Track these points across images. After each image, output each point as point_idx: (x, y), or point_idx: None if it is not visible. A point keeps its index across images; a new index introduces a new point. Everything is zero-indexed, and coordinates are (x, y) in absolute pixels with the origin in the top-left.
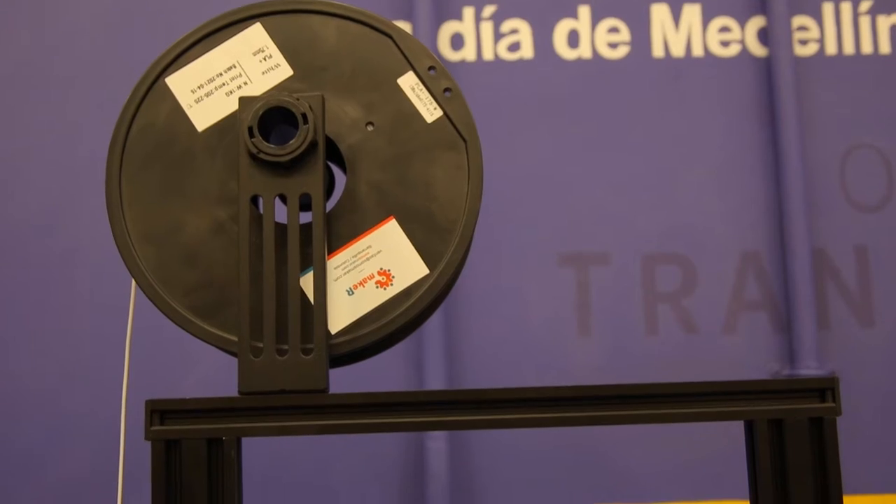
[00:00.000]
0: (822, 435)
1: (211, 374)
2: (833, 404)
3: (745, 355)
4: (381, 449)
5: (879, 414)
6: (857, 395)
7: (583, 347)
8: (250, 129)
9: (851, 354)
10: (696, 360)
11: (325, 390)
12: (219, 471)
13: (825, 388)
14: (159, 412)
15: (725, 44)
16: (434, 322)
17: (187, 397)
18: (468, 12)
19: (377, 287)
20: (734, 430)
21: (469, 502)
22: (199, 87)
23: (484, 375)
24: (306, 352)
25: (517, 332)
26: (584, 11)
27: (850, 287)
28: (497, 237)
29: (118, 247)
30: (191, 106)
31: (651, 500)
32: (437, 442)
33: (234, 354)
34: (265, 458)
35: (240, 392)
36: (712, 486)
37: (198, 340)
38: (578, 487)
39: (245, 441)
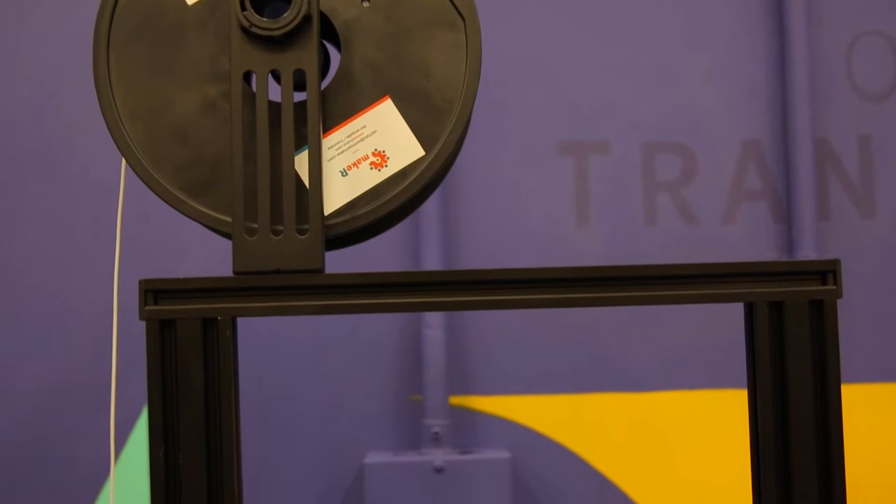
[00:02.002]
0: (822, 318)
1: (204, 260)
2: (834, 287)
3: (744, 246)
4: (377, 337)
5: (877, 305)
6: (856, 285)
7: (581, 237)
8: (242, 2)
9: (851, 245)
10: (695, 250)
11: (320, 270)
12: (214, 351)
13: (826, 271)
14: (153, 292)
15: None
16: (431, 210)
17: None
18: None
19: (371, 168)
20: (733, 320)
21: (466, 390)
22: None
23: (480, 265)
24: (301, 232)
25: (515, 221)
26: None
27: (852, 177)
28: (495, 124)
29: (107, 124)
30: None
31: (649, 389)
32: (434, 330)
33: (227, 236)
34: (262, 348)
35: (234, 272)
36: (710, 376)
37: (191, 228)
38: (576, 377)
39: (242, 331)
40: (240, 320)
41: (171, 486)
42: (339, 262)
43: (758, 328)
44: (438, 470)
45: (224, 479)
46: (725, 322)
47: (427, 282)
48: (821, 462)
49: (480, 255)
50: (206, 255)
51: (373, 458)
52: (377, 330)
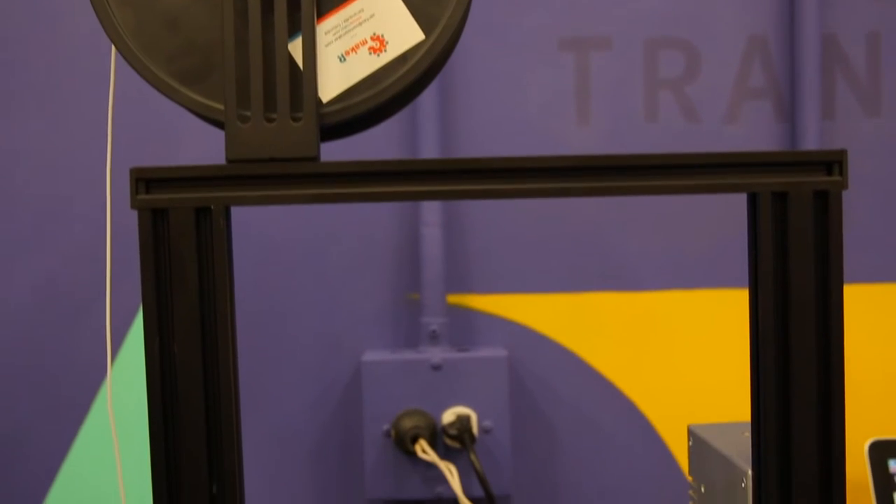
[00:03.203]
0: (826, 209)
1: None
2: (839, 178)
3: (746, 144)
4: (374, 235)
5: (880, 205)
6: (859, 185)
7: (581, 134)
8: None
9: (855, 145)
10: (696, 148)
11: (315, 158)
12: (208, 241)
13: (832, 161)
14: (145, 181)
15: None
16: (429, 104)
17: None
18: None
19: (370, 53)
20: (734, 221)
21: (463, 288)
22: None
23: None
24: (296, 119)
25: (514, 118)
26: None
27: (859, 75)
28: (496, 18)
29: (95, 9)
30: None
31: (648, 288)
32: (431, 229)
33: (220, 125)
34: (258, 246)
35: (227, 159)
36: (710, 276)
37: (185, 122)
38: (575, 275)
39: (237, 229)
40: (235, 217)
41: (167, 376)
42: (336, 154)
43: (761, 220)
44: (436, 367)
45: (220, 370)
46: (725, 222)
47: (424, 170)
48: (821, 359)
49: (478, 152)
50: (199, 154)
51: (370, 355)
52: (374, 228)
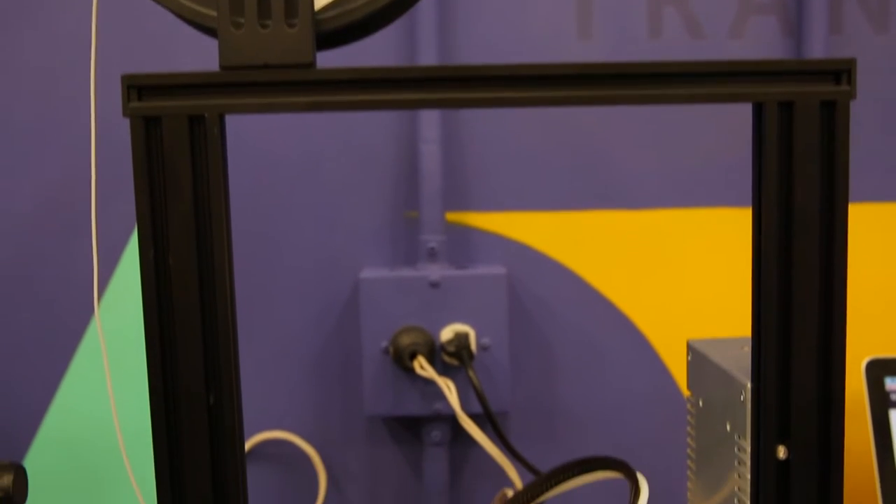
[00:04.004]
0: (833, 119)
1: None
2: (847, 87)
3: (752, 50)
4: (372, 151)
5: (887, 124)
6: (866, 102)
7: (583, 49)
8: None
9: (862, 60)
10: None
11: (311, 65)
12: (202, 150)
13: (840, 70)
14: (137, 88)
15: None
16: (428, 12)
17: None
18: None
19: None
20: (735, 139)
21: (462, 206)
22: None
23: None
24: (291, 25)
25: (515, 30)
26: None
27: None
28: None
29: None
30: None
31: (648, 207)
32: (430, 145)
33: (213, 33)
34: (254, 161)
35: (221, 66)
36: (711, 195)
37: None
38: (574, 193)
39: (233, 144)
40: (231, 136)
41: (163, 287)
42: (332, 65)
43: (766, 131)
44: (434, 285)
45: (216, 281)
46: (727, 141)
47: (423, 77)
48: (823, 274)
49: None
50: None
51: (368, 273)
52: (372, 145)
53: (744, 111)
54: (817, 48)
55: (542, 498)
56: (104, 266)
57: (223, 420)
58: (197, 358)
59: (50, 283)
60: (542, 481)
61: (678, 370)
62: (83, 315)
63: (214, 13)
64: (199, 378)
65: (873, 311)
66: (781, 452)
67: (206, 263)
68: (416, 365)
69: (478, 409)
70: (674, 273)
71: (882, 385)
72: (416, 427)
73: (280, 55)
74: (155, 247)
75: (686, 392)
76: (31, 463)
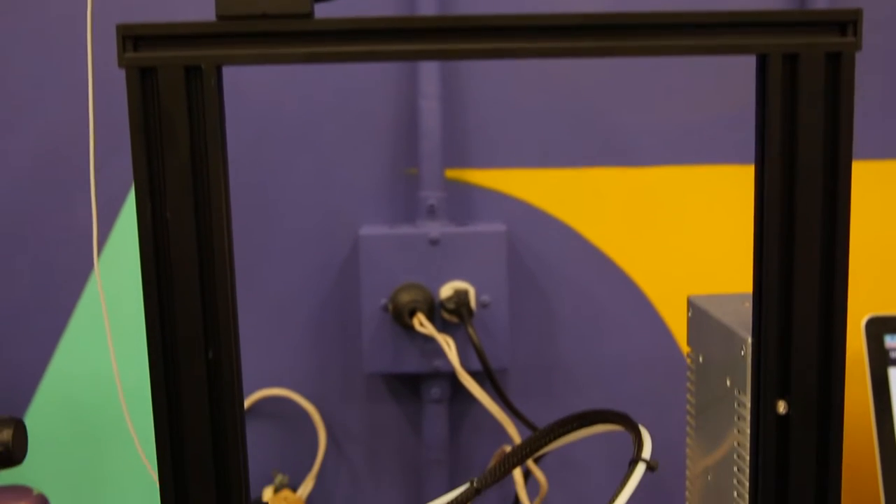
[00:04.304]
0: (838, 72)
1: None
2: (853, 39)
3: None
4: (371, 107)
5: (892, 78)
6: (871, 56)
7: (585, 0)
8: None
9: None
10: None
11: (309, 15)
12: (198, 102)
13: (846, 21)
14: (132, 38)
15: None
16: None
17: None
18: None
19: None
20: (737, 96)
21: (462, 163)
22: None
23: None
24: None
25: None
26: None
27: None
28: None
29: None
30: None
31: (649, 164)
32: (430, 101)
33: None
34: (252, 116)
35: (217, 15)
36: (712, 151)
37: None
38: (575, 150)
39: (231, 100)
40: (229, 91)
41: (160, 242)
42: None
43: (769, 84)
44: (434, 242)
45: (214, 235)
46: (729, 97)
47: (423, 28)
48: (826, 230)
49: None
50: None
51: (367, 230)
52: (371, 101)
53: (747, 66)
54: None
55: (543, 451)
56: (102, 222)
57: (222, 375)
58: (195, 312)
59: (48, 239)
60: (543, 435)
61: (678, 328)
62: (82, 271)
63: None
64: (198, 332)
65: (873, 269)
66: (781, 407)
67: (204, 217)
68: (415, 322)
69: (477, 366)
70: (674, 231)
71: (882, 343)
72: (416, 384)
73: (278, 5)
74: (152, 201)
75: (686, 349)
76: (31, 420)
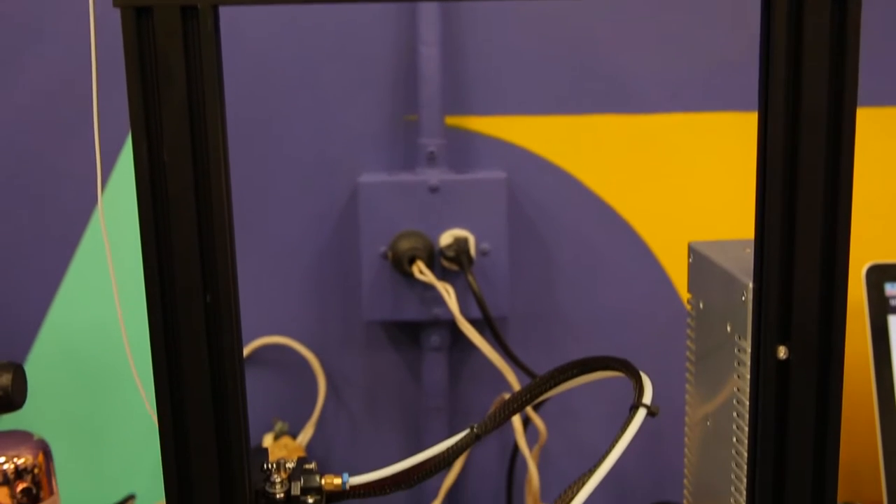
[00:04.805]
0: (844, 14)
1: None
2: None
3: None
4: (370, 54)
5: (891, 24)
6: (876, 3)
7: None
8: None
9: None
10: None
11: None
12: (195, 43)
13: None
14: None
15: None
16: None
17: None
18: None
19: None
20: (739, 43)
21: (462, 110)
22: None
23: None
24: None
25: None
26: None
27: None
28: None
29: None
30: None
31: (650, 111)
32: (429, 48)
33: None
34: (249, 62)
35: None
36: (713, 99)
37: None
38: (576, 97)
39: (228, 45)
40: (228, 36)
41: (157, 184)
42: None
43: (775, 24)
44: (433, 189)
45: (211, 178)
46: (732, 44)
47: None
48: (829, 175)
49: None
50: None
51: (367, 177)
52: (370, 47)
53: (752, 11)
54: None
55: (544, 397)
56: (103, 163)
57: (221, 320)
58: (193, 254)
59: (48, 181)
60: (544, 381)
61: (678, 277)
62: (82, 214)
63: None
64: (196, 275)
65: (874, 217)
66: (782, 352)
67: (201, 160)
68: (414, 270)
69: (477, 314)
70: (675, 179)
71: (882, 290)
72: (415, 332)
73: None
74: (148, 143)
75: (685, 299)
76: (31, 366)
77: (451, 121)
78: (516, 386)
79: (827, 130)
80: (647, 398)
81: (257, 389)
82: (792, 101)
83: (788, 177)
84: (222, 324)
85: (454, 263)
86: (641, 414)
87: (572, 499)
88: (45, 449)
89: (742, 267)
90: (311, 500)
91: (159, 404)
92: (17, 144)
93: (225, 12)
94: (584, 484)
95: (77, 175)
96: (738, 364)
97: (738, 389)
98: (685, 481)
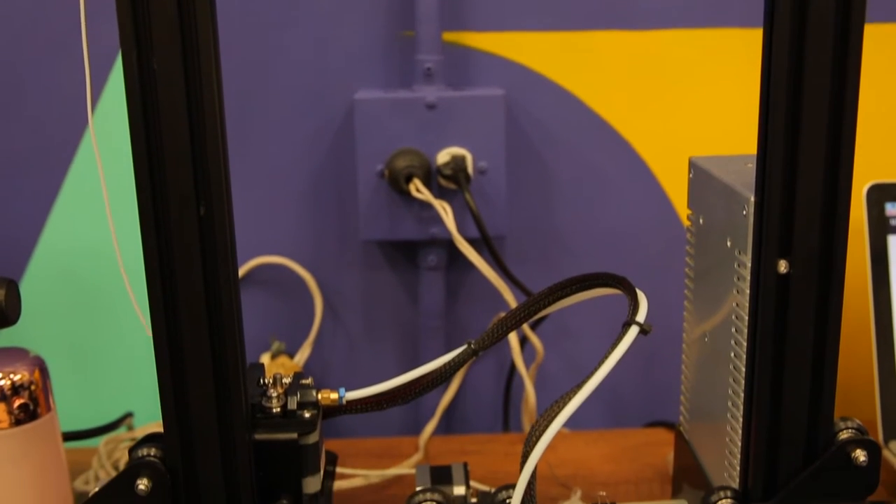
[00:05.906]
0: None
1: None
2: None
3: None
4: None
5: None
6: None
7: None
8: None
9: None
10: None
11: None
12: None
13: None
14: None
15: None
16: None
17: None
18: None
19: None
20: None
21: (460, 25)
22: None
23: None
24: None
25: None
26: None
27: None
28: None
29: None
30: None
31: (651, 27)
32: None
33: None
34: None
35: None
36: (717, 14)
37: None
38: (576, 13)
39: None
40: None
41: (148, 94)
42: None
43: None
44: (430, 106)
45: (203, 89)
46: None
47: None
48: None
49: None
50: None
51: (363, 94)
52: None
53: None
54: None
55: (542, 314)
56: (94, 83)
57: (215, 234)
58: (185, 165)
59: (39, 98)
60: (542, 297)
61: (677, 197)
62: (75, 131)
63: None
64: (189, 185)
65: (876, 136)
66: (782, 266)
67: (193, 69)
68: (411, 188)
69: (474, 233)
70: (675, 97)
71: (882, 210)
72: (412, 251)
73: None
74: (137, 48)
75: (685, 218)
76: (27, 286)
77: (449, 37)
78: (514, 305)
79: (833, 44)
80: (641, 316)
81: (254, 309)
82: (798, 14)
83: (793, 89)
84: (217, 239)
85: (451, 182)
86: (634, 331)
87: (558, 413)
88: (41, 366)
89: (743, 181)
90: (307, 415)
91: (154, 320)
92: (3, 64)
93: None
94: (570, 399)
95: (72, 85)
96: (738, 279)
97: (738, 305)
98: (682, 398)
